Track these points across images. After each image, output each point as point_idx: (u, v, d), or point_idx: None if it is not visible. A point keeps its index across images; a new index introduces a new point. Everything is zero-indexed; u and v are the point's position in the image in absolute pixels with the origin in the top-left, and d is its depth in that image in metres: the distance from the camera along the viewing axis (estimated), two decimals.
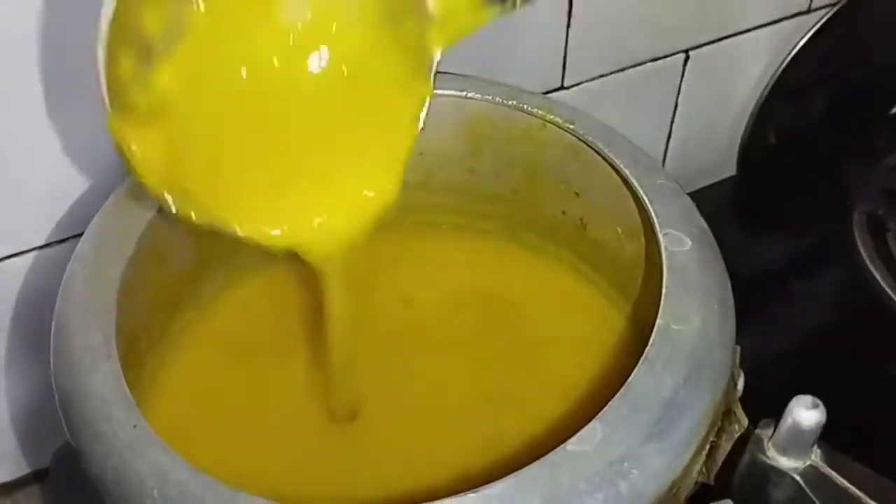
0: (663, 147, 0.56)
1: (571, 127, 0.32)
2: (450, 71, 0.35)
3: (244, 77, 0.25)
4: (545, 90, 0.48)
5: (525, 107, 0.33)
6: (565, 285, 0.35)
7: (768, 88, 0.55)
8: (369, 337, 0.31)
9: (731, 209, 0.58)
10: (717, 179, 0.58)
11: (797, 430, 0.22)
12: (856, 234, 0.51)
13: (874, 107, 0.60)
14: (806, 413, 0.21)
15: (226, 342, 0.33)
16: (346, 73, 0.26)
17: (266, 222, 0.27)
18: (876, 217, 0.52)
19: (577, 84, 0.49)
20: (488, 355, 0.32)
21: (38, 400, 0.44)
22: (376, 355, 0.32)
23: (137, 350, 0.29)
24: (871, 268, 0.49)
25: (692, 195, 0.59)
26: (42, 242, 0.38)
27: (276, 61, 0.25)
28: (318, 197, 0.27)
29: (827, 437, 0.23)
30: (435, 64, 0.28)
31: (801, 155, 0.58)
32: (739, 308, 0.53)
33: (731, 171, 0.59)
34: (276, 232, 0.27)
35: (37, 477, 0.47)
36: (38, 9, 0.31)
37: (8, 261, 0.38)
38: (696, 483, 0.25)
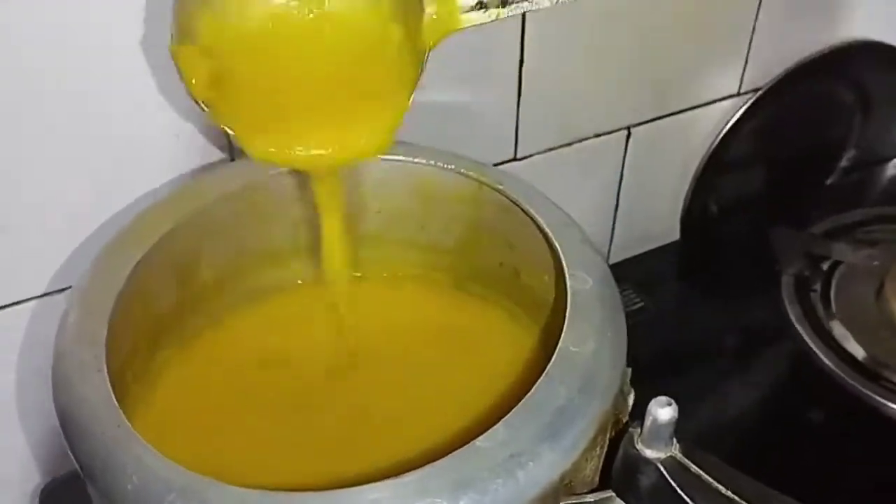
0: (612, 214, 0.62)
1: (500, 187, 0.38)
2: (409, 141, 0.41)
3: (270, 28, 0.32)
4: (499, 161, 0.54)
5: (462, 171, 0.39)
6: (498, 322, 0.40)
7: (705, 162, 0.61)
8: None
9: (673, 271, 0.63)
10: (662, 244, 0.64)
11: (656, 425, 0.26)
12: (783, 294, 0.56)
13: (804, 179, 0.66)
14: (661, 410, 0.26)
15: (205, 370, 0.38)
16: (360, 49, 0.33)
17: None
18: (802, 278, 0.57)
19: (529, 156, 0.55)
20: (432, 372, 0.38)
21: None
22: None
23: (124, 370, 0.33)
24: (797, 325, 0.54)
25: (638, 258, 0.64)
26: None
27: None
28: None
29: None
30: (427, 54, 0.34)
31: (738, 223, 0.64)
32: (676, 357, 0.58)
33: (675, 236, 0.64)
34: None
35: None
36: None
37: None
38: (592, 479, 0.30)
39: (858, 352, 0.51)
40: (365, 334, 0.41)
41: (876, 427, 0.49)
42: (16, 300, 0.43)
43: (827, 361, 0.51)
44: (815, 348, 0.52)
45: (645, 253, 0.63)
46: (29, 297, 0.44)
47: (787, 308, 0.55)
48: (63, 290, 0.44)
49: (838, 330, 0.53)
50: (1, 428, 0.48)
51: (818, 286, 0.56)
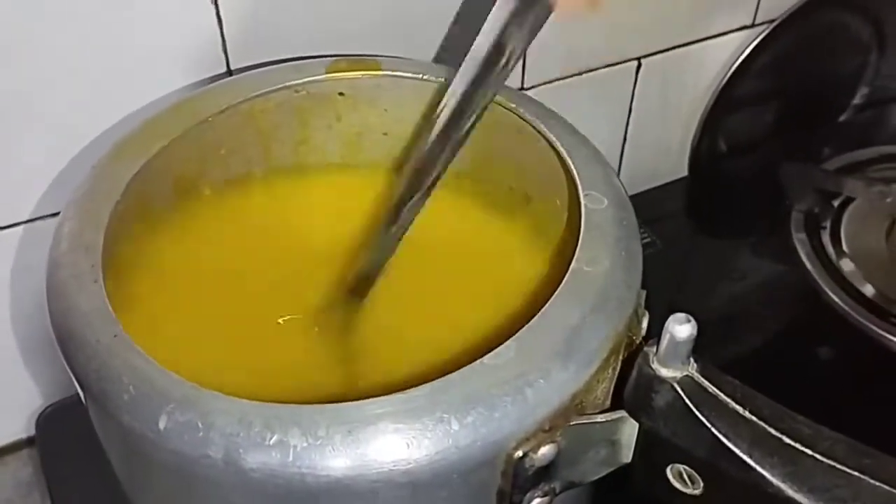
0: (619, 148, 0.61)
1: (513, 106, 0.36)
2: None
3: None
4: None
5: None
6: (508, 246, 0.39)
7: (716, 96, 0.60)
8: None
9: (681, 208, 0.62)
10: (669, 180, 0.63)
11: (674, 343, 0.26)
12: (792, 230, 0.55)
13: (816, 115, 0.64)
14: (679, 327, 0.25)
15: (206, 283, 0.37)
16: None
17: None
18: (812, 215, 0.56)
19: (536, 86, 0.53)
20: (443, 292, 0.37)
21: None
22: None
23: (120, 282, 0.32)
24: (806, 262, 0.54)
25: (646, 193, 0.63)
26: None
27: None
28: None
29: None
30: None
31: (748, 159, 0.63)
32: (682, 294, 0.57)
33: (683, 172, 0.63)
34: None
35: (28, 442, 0.51)
36: None
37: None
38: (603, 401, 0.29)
39: (868, 289, 0.51)
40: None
41: (884, 364, 0.48)
42: (3, 224, 0.42)
43: (836, 298, 0.51)
44: (823, 286, 0.52)
45: (653, 189, 0.62)
46: (16, 221, 0.43)
47: (797, 244, 0.54)
48: (53, 215, 0.43)
49: (847, 267, 0.53)
50: None
51: (828, 223, 0.56)
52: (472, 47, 0.29)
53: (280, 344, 0.35)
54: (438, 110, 0.31)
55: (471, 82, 0.30)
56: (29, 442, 0.51)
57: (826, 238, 0.55)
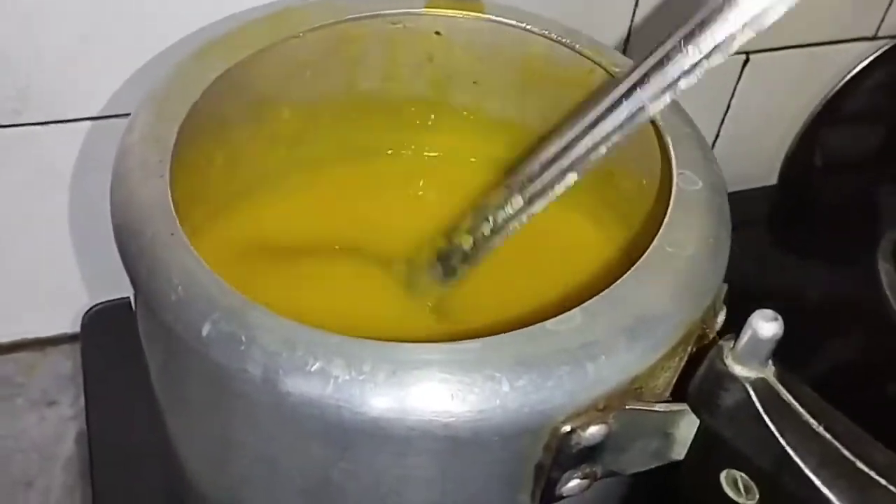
0: (710, 142, 0.58)
1: (616, 70, 0.34)
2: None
3: None
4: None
5: (577, 47, 0.35)
6: (582, 225, 0.37)
7: (821, 106, 0.57)
8: None
9: (763, 217, 0.59)
10: (755, 186, 0.60)
11: (755, 340, 0.24)
12: (879, 257, 0.52)
13: None
14: (765, 324, 0.23)
15: (271, 215, 0.36)
16: None
17: None
18: None
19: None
20: (510, 265, 0.34)
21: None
22: None
23: (187, 186, 0.31)
24: (888, 292, 0.51)
25: (730, 196, 0.60)
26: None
27: None
28: None
29: None
30: None
31: (843, 178, 0.60)
32: (754, 307, 0.54)
33: (773, 180, 0.60)
34: None
35: (72, 338, 0.51)
36: None
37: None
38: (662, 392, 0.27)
39: None
40: (441, 213, 0.38)
41: None
42: (73, 117, 0.42)
43: None
44: None
45: (737, 192, 0.59)
46: (86, 116, 0.42)
47: (881, 273, 0.51)
48: (124, 115, 0.42)
49: None
50: (53, 246, 0.47)
51: None
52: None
53: (345, 285, 0.34)
54: (597, 109, 0.28)
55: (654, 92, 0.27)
56: (73, 338, 0.51)
57: None
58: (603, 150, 0.29)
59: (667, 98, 0.27)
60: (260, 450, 0.27)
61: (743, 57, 0.53)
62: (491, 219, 0.32)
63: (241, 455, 0.28)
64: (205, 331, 0.25)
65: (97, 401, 0.45)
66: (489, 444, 0.25)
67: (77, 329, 0.49)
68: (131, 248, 0.27)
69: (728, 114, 0.57)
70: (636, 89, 0.27)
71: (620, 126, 0.28)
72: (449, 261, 0.34)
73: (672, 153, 0.31)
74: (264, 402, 0.25)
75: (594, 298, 0.26)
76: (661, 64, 0.26)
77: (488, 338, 0.25)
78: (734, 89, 0.55)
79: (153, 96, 0.31)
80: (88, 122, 0.42)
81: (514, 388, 0.24)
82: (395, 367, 0.24)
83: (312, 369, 0.24)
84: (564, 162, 0.30)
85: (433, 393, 0.24)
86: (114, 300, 0.48)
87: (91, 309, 0.49)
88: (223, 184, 0.35)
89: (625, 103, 0.28)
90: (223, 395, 0.26)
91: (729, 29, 0.25)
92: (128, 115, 0.31)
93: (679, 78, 0.26)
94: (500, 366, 0.24)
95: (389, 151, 0.40)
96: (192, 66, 0.32)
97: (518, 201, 0.31)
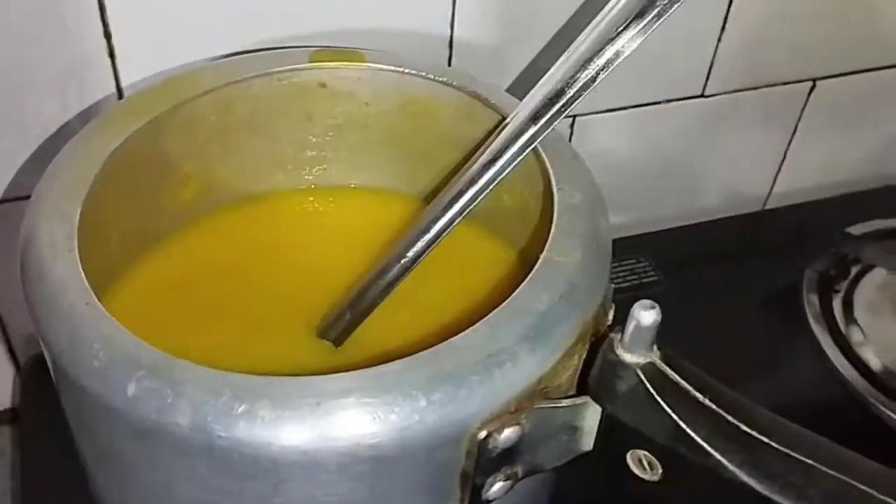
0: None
1: (493, 102, 0.37)
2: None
3: None
4: (686, 96, 0.54)
5: (454, 84, 0.38)
6: (478, 241, 0.39)
7: None
8: None
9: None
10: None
11: (639, 329, 0.26)
12: (804, 290, 0.54)
13: None
14: (644, 313, 0.26)
15: (177, 265, 0.38)
16: None
17: None
18: (826, 276, 0.54)
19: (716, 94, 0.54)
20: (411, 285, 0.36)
21: None
22: None
23: (94, 257, 0.32)
24: (813, 324, 0.52)
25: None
26: None
27: None
28: None
29: None
30: None
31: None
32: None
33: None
34: None
35: None
36: None
37: None
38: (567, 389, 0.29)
39: (873, 361, 0.50)
40: (341, 244, 0.40)
41: (882, 439, 0.46)
42: None
43: (837, 366, 0.49)
44: (828, 352, 0.50)
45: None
46: None
47: (806, 307, 0.53)
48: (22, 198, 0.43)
49: (856, 336, 0.51)
50: None
51: (842, 288, 0.54)
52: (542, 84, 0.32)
53: (251, 320, 0.36)
54: (493, 144, 0.33)
55: (542, 120, 0.32)
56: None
57: (838, 303, 0.53)
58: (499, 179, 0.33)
59: (550, 129, 0.32)
60: (196, 497, 0.28)
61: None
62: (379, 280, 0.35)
63: None
64: (130, 390, 0.26)
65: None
66: (415, 457, 0.27)
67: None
68: (49, 322, 0.28)
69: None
70: (530, 126, 0.33)
71: (513, 160, 0.33)
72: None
73: (550, 169, 0.34)
74: (196, 449, 0.26)
75: (494, 311, 0.28)
76: (550, 102, 0.32)
77: (402, 360, 0.27)
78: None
79: (54, 173, 0.32)
80: None
81: (431, 402, 0.26)
82: (317, 399, 0.26)
83: (239, 411, 0.25)
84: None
85: (357, 418, 0.26)
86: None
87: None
88: (129, 244, 0.37)
89: (520, 140, 0.33)
90: (155, 450, 0.27)
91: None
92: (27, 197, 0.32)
93: (563, 110, 0.32)
94: (415, 383, 0.26)
95: (286, 193, 0.42)
96: (88, 141, 0.34)
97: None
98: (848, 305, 0.53)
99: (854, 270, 0.55)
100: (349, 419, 0.26)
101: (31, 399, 0.47)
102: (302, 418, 0.25)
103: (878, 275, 0.55)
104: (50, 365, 0.29)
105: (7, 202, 0.43)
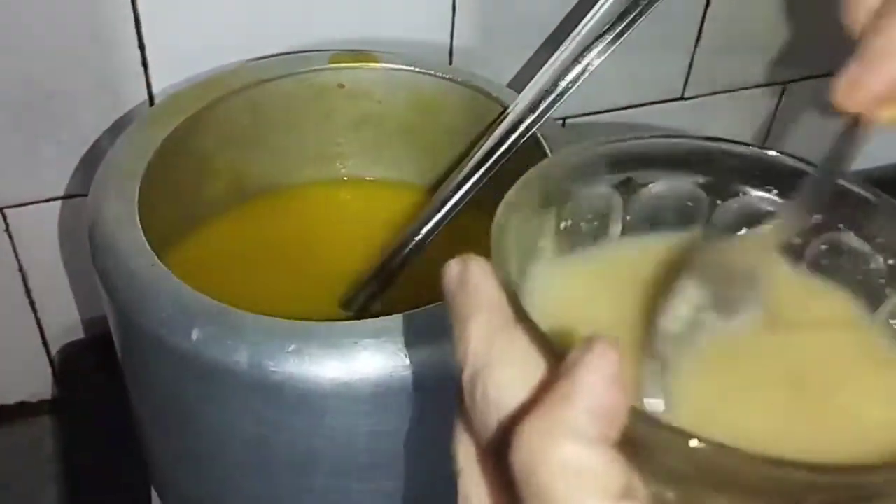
0: None
1: (494, 96, 0.42)
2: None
3: None
4: (666, 98, 0.58)
5: (458, 79, 0.43)
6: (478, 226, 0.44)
7: None
8: None
9: None
10: None
11: None
12: None
13: None
14: None
15: (213, 247, 0.42)
16: None
17: None
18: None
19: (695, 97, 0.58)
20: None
21: None
22: None
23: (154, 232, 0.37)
24: None
25: None
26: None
27: None
28: None
29: None
30: None
31: None
32: None
33: None
34: None
35: None
36: None
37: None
38: None
39: None
40: (358, 229, 0.45)
41: None
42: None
43: None
44: None
45: None
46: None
47: None
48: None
49: None
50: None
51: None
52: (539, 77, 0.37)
53: (288, 300, 0.40)
54: (496, 131, 0.38)
55: (540, 108, 0.37)
56: None
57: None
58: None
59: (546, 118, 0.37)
60: (250, 431, 0.32)
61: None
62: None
63: (234, 442, 0.32)
64: (195, 335, 0.30)
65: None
66: (442, 388, 0.31)
67: None
68: (118, 282, 0.32)
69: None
70: (529, 114, 0.37)
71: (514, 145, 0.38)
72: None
73: (548, 152, 0.38)
74: (252, 385, 0.30)
75: None
76: (547, 93, 0.37)
77: (427, 306, 0.31)
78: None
79: (111, 161, 0.37)
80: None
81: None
82: (356, 338, 0.30)
83: (290, 350, 0.29)
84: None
85: (389, 354, 0.30)
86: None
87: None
88: (171, 227, 0.41)
89: (520, 126, 0.38)
90: (215, 388, 0.31)
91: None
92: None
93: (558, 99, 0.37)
94: (440, 323, 0.30)
95: (309, 185, 0.46)
96: (138, 134, 0.38)
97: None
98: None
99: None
100: (383, 356, 0.30)
101: (69, 386, 0.51)
102: (343, 355, 0.30)
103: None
104: (115, 323, 0.34)
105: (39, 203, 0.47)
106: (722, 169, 0.26)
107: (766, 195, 0.27)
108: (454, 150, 0.44)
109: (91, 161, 0.47)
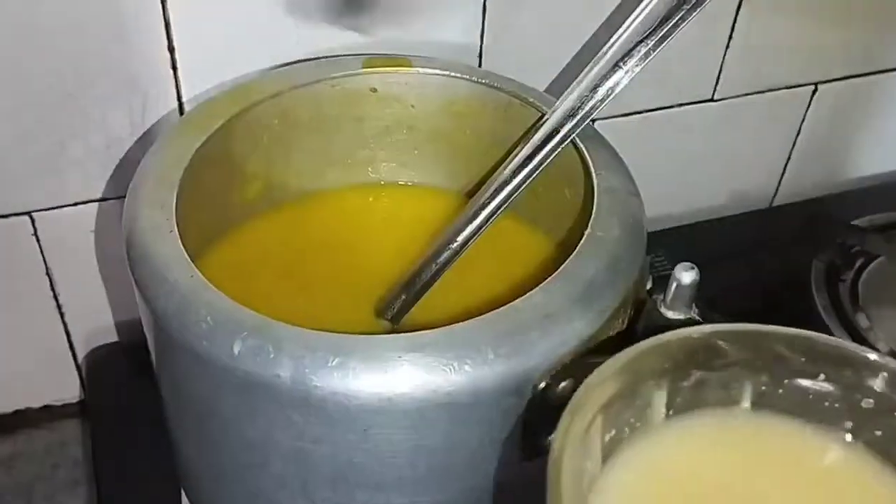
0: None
1: (530, 101, 0.41)
2: None
3: None
4: (695, 100, 0.57)
5: (495, 84, 0.42)
6: (517, 231, 0.43)
7: None
8: None
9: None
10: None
11: (680, 288, 0.30)
12: (813, 280, 0.56)
13: None
14: (685, 273, 0.30)
15: (244, 253, 0.41)
16: None
17: None
18: (833, 266, 0.57)
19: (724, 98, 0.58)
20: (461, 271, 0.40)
21: None
22: None
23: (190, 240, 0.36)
24: (822, 312, 0.54)
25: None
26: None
27: None
28: None
29: None
30: None
31: None
32: None
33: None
34: None
35: None
36: None
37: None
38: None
39: (881, 345, 0.52)
40: (391, 235, 0.44)
41: None
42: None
43: None
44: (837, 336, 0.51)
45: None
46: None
47: (816, 297, 0.55)
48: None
49: (863, 323, 0.53)
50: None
51: (848, 276, 0.57)
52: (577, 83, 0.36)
53: (322, 308, 0.40)
54: (534, 138, 0.37)
55: (579, 115, 0.36)
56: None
57: (845, 291, 0.55)
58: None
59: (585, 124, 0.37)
60: (290, 446, 0.31)
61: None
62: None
63: (273, 456, 0.32)
64: (236, 349, 0.30)
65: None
66: (483, 406, 0.30)
67: None
68: (157, 293, 0.32)
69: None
70: (568, 120, 0.37)
71: (552, 152, 0.37)
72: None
73: (589, 159, 0.38)
74: (294, 400, 0.30)
75: (548, 279, 0.32)
76: (586, 99, 0.36)
77: (471, 319, 0.30)
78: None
79: (146, 169, 0.36)
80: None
81: (498, 355, 0.30)
82: (400, 353, 0.29)
83: (333, 364, 0.29)
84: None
85: (433, 370, 0.29)
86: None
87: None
88: (203, 233, 0.40)
89: (559, 133, 0.37)
90: (256, 402, 0.30)
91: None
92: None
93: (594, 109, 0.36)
94: (484, 339, 0.30)
95: (341, 190, 0.46)
96: (175, 139, 0.38)
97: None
98: (854, 294, 0.56)
99: (859, 261, 0.58)
100: (426, 371, 0.29)
101: (98, 391, 0.51)
102: (386, 370, 0.29)
103: (881, 264, 0.58)
104: (152, 334, 0.33)
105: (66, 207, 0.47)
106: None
107: None
108: (488, 155, 0.43)
109: (119, 164, 0.46)
